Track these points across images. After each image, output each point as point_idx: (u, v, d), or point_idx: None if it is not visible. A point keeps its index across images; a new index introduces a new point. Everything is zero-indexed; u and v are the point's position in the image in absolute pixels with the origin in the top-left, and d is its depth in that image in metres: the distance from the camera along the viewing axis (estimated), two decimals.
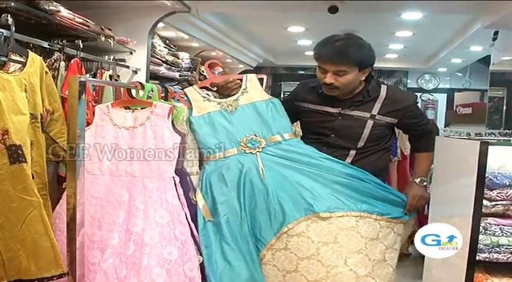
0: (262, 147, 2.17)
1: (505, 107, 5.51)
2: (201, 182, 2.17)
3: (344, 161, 2.24)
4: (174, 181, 2.03)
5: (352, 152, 2.26)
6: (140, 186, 2.01)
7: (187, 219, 2.04)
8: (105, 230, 1.99)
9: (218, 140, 2.18)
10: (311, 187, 2.13)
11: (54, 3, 2.40)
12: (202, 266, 2.03)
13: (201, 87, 2.36)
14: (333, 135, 2.28)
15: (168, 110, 2.06)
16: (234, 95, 2.30)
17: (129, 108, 2.15)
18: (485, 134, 4.84)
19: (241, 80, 2.34)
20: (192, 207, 2.09)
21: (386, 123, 2.26)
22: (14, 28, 2.05)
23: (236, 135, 2.18)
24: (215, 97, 2.32)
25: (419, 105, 10.30)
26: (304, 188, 2.13)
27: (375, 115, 2.24)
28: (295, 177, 2.15)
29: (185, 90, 2.35)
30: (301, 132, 2.51)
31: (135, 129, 2.05)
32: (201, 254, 2.03)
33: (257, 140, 2.17)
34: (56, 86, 2.28)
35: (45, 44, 2.40)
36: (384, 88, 2.29)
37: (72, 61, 2.51)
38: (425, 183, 2.30)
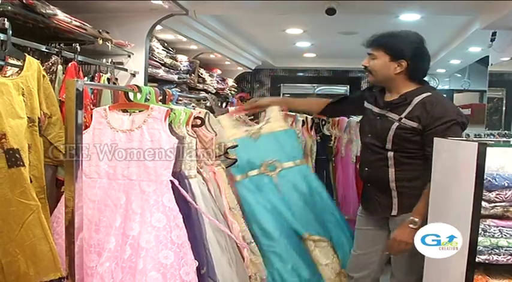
0: (279, 171, 2.55)
1: (504, 108, 5.51)
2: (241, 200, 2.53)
3: (387, 166, 2.26)
4: (172, 184, 2.02)
5: (390, 154, 2.25)
6: (137, 189, 2.00)
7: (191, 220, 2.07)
8: (103, 233, 1.99)
9: (245, 161, 2.53)
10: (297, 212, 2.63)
11: (51, 6, 2.40)
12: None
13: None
14: (369, 135, 2.35)
15: (165, 113, 2.05)
16: (258, 118, 2.75)
17: (127, 111, 2.15)
18: (484, 135, 4.84)
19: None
20: (188, 210, 2.08)
21: (412, 128, 2.19)
22: (11, 32, 2.05)
23: (258, 160, 2.54)
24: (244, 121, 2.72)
25: None
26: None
27: (402, 118, 2.22)
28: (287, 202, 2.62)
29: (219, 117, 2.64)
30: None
31: (132, 132, 2.04)
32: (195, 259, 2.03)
33: (275, 164, 2.54)
34: (54, 89, 2.27)
35: (43, 48, 2.40)
36: (424, 94, 2.23)
37: (69, 64, 2.51)
38: (416, 226, 2.05)
